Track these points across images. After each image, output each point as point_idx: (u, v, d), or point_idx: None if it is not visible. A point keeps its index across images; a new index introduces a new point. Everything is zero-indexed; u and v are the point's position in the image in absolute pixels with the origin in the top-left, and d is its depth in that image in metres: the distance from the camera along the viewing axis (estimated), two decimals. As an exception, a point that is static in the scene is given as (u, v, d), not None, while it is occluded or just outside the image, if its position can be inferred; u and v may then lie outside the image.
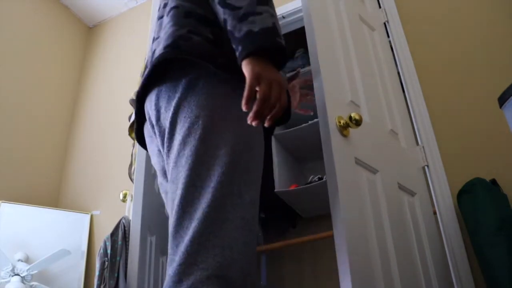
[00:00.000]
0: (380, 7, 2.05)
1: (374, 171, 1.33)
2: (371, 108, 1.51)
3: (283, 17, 2.31)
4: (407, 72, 1.85)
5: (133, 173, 2.03)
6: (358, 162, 1.27)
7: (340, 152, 1.18)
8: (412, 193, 1.50)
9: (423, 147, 1.69)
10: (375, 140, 1.43)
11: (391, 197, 1.34)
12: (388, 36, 1.97)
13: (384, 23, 2.00)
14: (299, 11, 2.25)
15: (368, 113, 1.47)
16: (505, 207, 1.38)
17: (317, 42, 1.35)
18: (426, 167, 1.66)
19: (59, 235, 2.41)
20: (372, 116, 1.48)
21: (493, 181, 1.47)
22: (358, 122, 1.22)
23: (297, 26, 2.34)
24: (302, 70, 2.53)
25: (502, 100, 1.13)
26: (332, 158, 1.13)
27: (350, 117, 1.22)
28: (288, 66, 2.71)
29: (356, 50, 1.60)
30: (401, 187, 1.44)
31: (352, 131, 1.27)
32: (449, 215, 1.55)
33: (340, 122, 1.23)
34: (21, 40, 2.82)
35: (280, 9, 2.33)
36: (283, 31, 2.40)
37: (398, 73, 1.88)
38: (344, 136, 1.24)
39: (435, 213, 1.59)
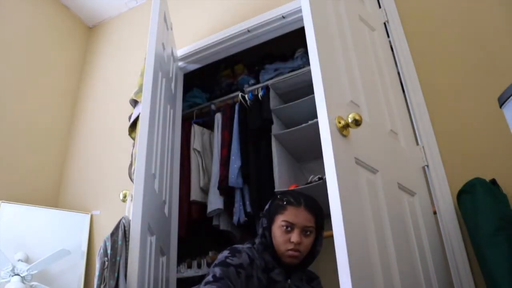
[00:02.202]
0: (380, 7, 2.05)
1: (374, 171, 1.33)
2: (371, 108, 1.51)
3: (283, 17, 2.31)
4: (407, 72, 1.85)
5: (133, 173, 2.03)
6: (358, 162, 1.26)
7: (340, 152, 1.18)
8: (412, 193, 1.50)
9: (423, 147, 1.69)
10: (375, 140, 1.43)
11: (391, 197, 1.34)
12: (388, 36, 1.97)
13: (384, 23, 2.00)
14: (299, 11, 2.24)
15: (368, 113, 1.46)
16: (505, 207, 1.38)
17: (317, 42, 1.35)
18: (426, 167, 1.66)
19: (59, 235, 2.41)
20: (372, 116, 1.48)
21: (493, 181, 1.47)
22: (358, 122, 1.22)
23: (297, 26, 2.34)
24: (301, 71, 2.53)
25: (502, 100, 1.13)
26: (332, 158, 1.13)
27: (350, 117, 1.22)
28: (288, 66, 2.71)
29: (356, 50, 1.60)
30: (401, 187, 1.44)
31: (352, 131, 1.26)
32: (449, 215, 1.55)
33: (340, 123, 1.23)
34: (21, 40, 2.82)
35: (280, 9, 2.33)
36: (283, 31, 2.41)
37: (398, 73, 1.88)
38: (344, 136, 1.24)
39: (435, 213, 1.59)
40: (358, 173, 1.25)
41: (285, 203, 1.32)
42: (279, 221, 1.30)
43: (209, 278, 1.17)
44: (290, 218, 1.28)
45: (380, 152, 1.42)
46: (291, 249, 1.27)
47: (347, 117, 1.23)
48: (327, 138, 1.17)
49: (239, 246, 1.30)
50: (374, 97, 1.57)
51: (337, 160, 1.14)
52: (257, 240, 1.35)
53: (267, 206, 1.39)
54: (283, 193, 1.41)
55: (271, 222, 1.33)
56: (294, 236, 1.26)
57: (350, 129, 1.25)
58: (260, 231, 1.36)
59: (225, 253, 1.26)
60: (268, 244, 1.31)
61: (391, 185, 1.38)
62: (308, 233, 1.29)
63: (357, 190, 1.21)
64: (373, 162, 1.34)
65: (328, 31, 1.49)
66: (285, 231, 1.28)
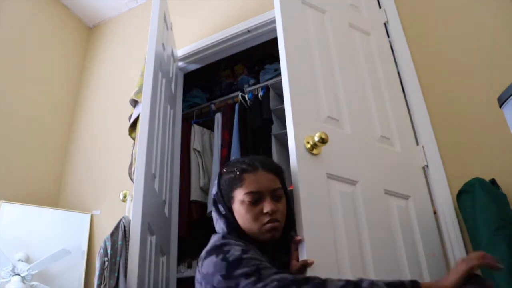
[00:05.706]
0: (380, 7, 2.05)
1: (352, 182, 1.33)
2: (355, 119, 1.50)
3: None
4: (407, 72, 1.85)
5: (133, 173, 2.03)
6: (331, 176, 1.27)
7: (307, 171, 1.20)
8: (405, 197, 1.48)
9: (423, 147, 1.69)
10: (357, 150, 1.43)
11: (374, 205, 1.34)
12: (388, 36, 1.97)
13: (384, 23, 2.00)
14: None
15: (350, 125, 1.47)
16: (504, 207, 1.38)
17: (287, 62, 1.35)
18: (426, 167, 1.66)
19: (59, 235, 2.41)
20: (355, 127, 1.48)
21: (493, 181, 1.47)
22: (324, 141, 1.22)
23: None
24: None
25: (502, 100, 1.13)
26: (298, 178, 1.16)
27: (317, 137, 1.23)
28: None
29: (340, 60, 1.60)
30: (388, 193, 1.43)
31: (326, 147, 1.27)
32: (449, 215, 1.54)
33: (308, 143, 1.23)
34: (21, 40, 2.82)
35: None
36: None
37: (398, 73, 1.87)
38: (315, 155, 1.24)
39: (435, 213, 1.59)
40: (330, 187, 1.26)
41: (238, 173, 1.08)
42: (240, 196, 1.07)
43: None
44: (253, 187, 1.06)
45: (361, 161, 1.41)
46: (267, 222, 1.05)
47: (318, 136, 1.23)
48: (293, 159, 1.20)
49: (218, 241, 1.04)
50: (361, 107, 1.57)
51: (303, 180, 1.16)
52: (221, 230, 1.10)
53: (215, 189, 1.13)
54: (228, 164, 1.17)
55: (229, 203, 1.09)
56: (266, 206, 1.05)
57: (322, 146, 1.25)
58: (221, 221, 1.10)
59: (216, 255, 0.99)
60: (237, 229, 1.08)
61: (375, 193, 1.38)
62: (278, 197, 1.10)
63: (328, 205, 1.22)
64: (352, 173, 1.34)
65: (303, 45, 1.48)
66: (251, 205, 1.06)
